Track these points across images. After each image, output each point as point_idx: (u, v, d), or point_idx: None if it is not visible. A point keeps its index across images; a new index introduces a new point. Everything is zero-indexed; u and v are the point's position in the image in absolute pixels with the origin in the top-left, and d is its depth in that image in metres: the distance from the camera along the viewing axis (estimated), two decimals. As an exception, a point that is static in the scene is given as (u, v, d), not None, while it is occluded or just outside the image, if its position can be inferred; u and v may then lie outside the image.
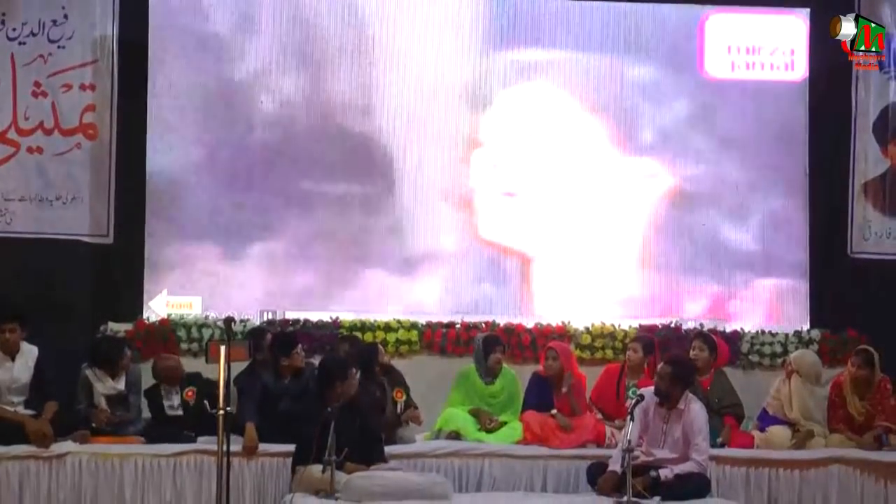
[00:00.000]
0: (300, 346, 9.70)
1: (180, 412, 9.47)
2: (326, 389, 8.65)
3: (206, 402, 9.48)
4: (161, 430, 9.31)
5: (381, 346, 10.22)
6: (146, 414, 9.57)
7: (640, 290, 11.34)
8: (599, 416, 9.77)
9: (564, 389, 9.66)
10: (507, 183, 11.29)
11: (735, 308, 11.37)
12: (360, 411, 8.65)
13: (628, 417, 8.49)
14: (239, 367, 8.65)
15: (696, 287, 11.38)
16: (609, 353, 10.80)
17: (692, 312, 11.30)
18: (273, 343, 9.78)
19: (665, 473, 8.62)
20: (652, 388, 8.96)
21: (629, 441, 8.30)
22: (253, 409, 9.27)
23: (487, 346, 9.93)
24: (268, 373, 9.57)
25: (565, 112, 11.36)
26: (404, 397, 9.69)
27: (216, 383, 9.02)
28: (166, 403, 9.49)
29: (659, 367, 8.97)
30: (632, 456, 8.25)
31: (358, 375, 8.96)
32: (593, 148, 11.38)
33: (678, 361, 9.07)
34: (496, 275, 11.23)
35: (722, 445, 9.50)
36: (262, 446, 9.17)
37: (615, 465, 8.60)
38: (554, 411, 9.63)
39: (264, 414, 9.30)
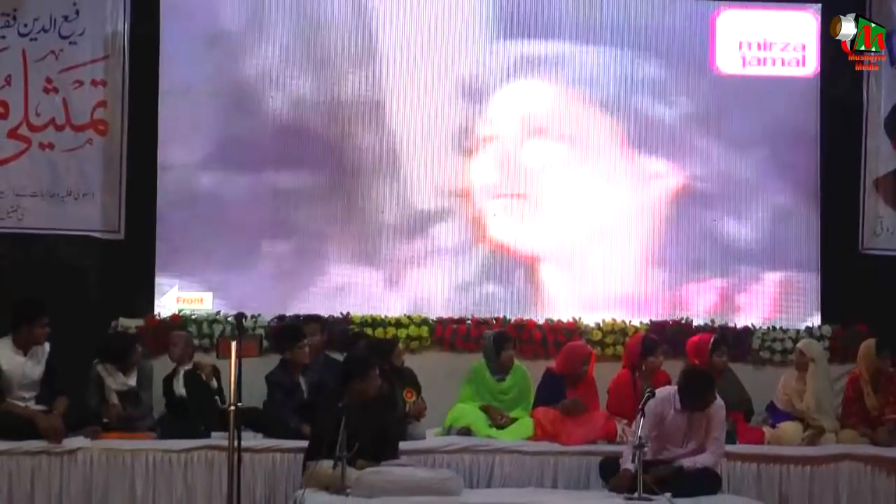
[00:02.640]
0: (306, 339, 9.80)
1: (183, 392, 9.52)
2: (344, 386, 8.66)
3: (217, 397, 9.57)
4: (172, 424, 9.35)
5: (399, 346, 10.22)
6: (160, 404, 9.65)
7: (650, 288, 11.30)
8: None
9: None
10: (514, 180, 11.27)
11: (745, 304, 11.34)
12: (375, 407, 8.65)
13: (640, 414, 8.50)
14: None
15: (706, 283, 11.35)
16: (620, 349, 10.77)
17: (702, 309, 11.28)
18: (279, 336, 9.87)
19: (688, 464, 8.63)
20: (667, 388, 8.97)
21: (640, 437, 8.31)
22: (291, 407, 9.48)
23: (498, 343, 9.94)
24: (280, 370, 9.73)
25: (574, 108, 11.34)
26: (414, 398, 9.71)
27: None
28: (175, 386, 9.56)
29: (709, 395, 8.86)
30: (642, 452, 8.25)
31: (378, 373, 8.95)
32: (602, 144, 11.36)
33: (704, 373, 9.07)
34: (502, 273, 11.19)
35: (732, 441, 9.50)
36: (273, 442, 9.22)
37: (627, 464, 8.59)
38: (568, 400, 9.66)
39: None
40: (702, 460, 8.71)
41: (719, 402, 8.91)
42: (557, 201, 11.25)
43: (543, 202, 11.25)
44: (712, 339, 10.07)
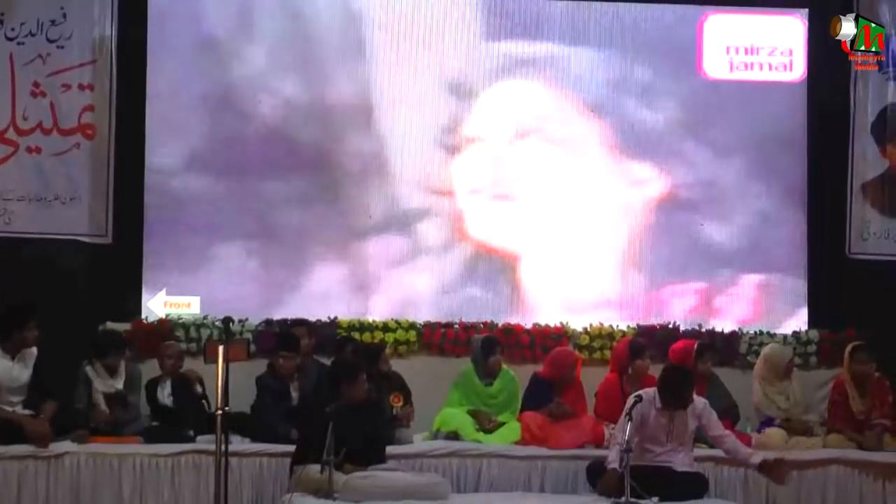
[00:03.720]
0: (293, 352, 9.77)
1: (170, 403, 9.54)
2: (332, 390, 8.65)
3: (204, 401, 9.57)
4: (159, 428, 9.34)
5: (385, 351, 10.19)
6: (145, 410, 9.65)
7: (635, 291, 11.31)
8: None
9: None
10: (501, 181, 11.28)
11: (732, 309, 11.36)
12: (363, 412, 8.64)
13: (626, 417, 8.50)
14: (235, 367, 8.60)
15: (693, 287, 11.36)
16: (607, 353, 10.77)
17: (689, 314, 11.29)
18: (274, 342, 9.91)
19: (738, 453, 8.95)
20: (647, 390, 8.96)
21: (627, 441, 8.31)
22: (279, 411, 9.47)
23: (486, 347, 9.93)
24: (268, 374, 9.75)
25: (561, 111, 11.35)
26: (401, 403, 9.70)
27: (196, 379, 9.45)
28: (159, 394, 9.56)
29: (683, 391, 8.88)
30: (628, 456, 8.26)
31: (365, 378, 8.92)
32: (589, 147, 11.37)
33: (683, 371, 9.10)
34: (489, 276, 11.20)
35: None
36: (261, 446, 9.20)
37: (614, 464, 8.59)
38: (553, 404, 9.66)
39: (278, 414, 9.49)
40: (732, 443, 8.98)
41: (701, 400, 8.95)
42: (544, 203, 11.26)
43: (530, 204, 11.26)
44: (696, 346, 10.08)
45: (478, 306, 11.13)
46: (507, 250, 11.25)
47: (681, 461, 8.81)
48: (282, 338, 9.99)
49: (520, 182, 11.28)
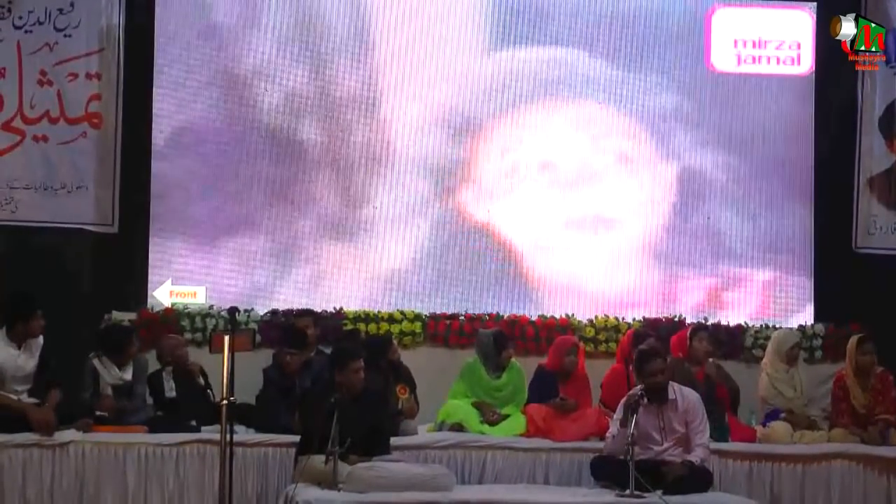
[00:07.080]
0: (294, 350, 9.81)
1: (174, 395, 9.53)
2: (331, 378, 8.67)
3: (209, 391, 9.58)
4: (164, 419, 9.34)
5: (394, 342, 10.15)
6: (149, 401, 9.63)
7: (641, 284, 11.32)
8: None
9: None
10: (507, 174, 11.27)
11: (738, 302, 11.37)
12: (367, 403, 8.65)
13: (630, 412, 8.48)
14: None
15: (699, 281, 11.37)
16: (612, 345, 10.78)
17: (694, 306, 11.29)
18: (283, 339, 9.91)
19: (695, 459, 8.66)
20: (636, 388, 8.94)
21: (633, 434, 8.30)
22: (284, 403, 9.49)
23: (500, 343, 9.90)
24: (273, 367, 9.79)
25: (569, 105, 11.34)
26: (407, 395, 9.69)
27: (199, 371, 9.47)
28: (166, 386, 9.55)
29: (650, 365, 8.86)
30: (633, 449, 8.24)
31: (362, 367, 8.92)
32: (595, 141, 11.36)
33: (655, 350, 9.09)
34: (492, 268, 11.20)
35: (724, 438, 9.50)
36: (265, 436, 9.21)
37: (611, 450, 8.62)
38: (558, 399, 9.66)
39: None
40: (699, 456, 8.72)
41: (689, 391, 8.93)
42: (552, 197, 11.25)
43: (537, 198, 11.25)
44: (690, 328, 10.08)
45: (484, 298, 11.13)
46: (514, 242, 11.24)
47: (681, 457, 8.77)
48: (288, 335, 9.97)
49: (527, 175, 11.27)
